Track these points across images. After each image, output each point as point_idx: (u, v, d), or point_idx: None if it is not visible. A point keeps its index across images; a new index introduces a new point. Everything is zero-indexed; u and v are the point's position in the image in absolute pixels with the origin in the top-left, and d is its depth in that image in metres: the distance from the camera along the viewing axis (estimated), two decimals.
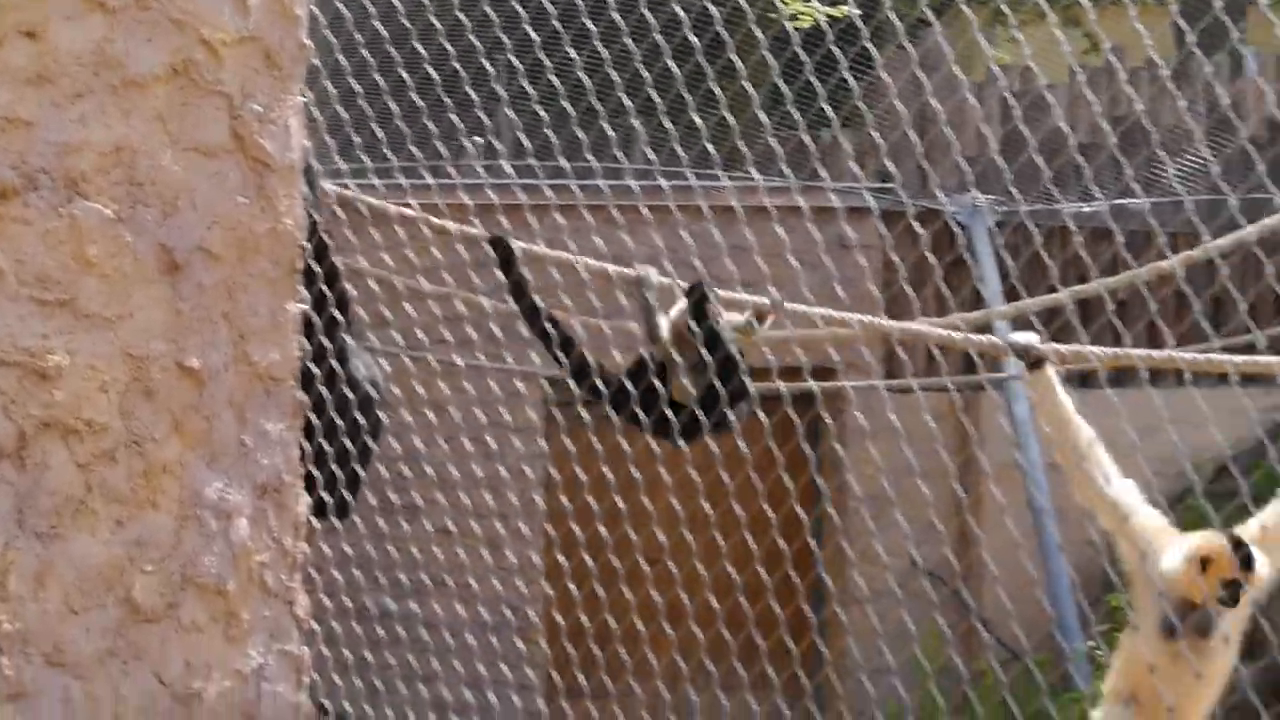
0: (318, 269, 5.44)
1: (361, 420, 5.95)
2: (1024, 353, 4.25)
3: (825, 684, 10.31)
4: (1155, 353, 4.68)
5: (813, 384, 6.45)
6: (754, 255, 5.90)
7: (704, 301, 5.50)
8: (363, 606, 9.03)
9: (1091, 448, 4.39)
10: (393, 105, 6.22)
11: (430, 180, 6.54)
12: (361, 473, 5.99)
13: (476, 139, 8.07)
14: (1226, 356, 4.66)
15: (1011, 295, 8.76)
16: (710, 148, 5.72)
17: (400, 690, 8.56)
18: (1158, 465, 9.96)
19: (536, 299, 5.69)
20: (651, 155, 7.13)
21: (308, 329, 5.12)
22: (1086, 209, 12.26)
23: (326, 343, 5.48)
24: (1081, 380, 12.27)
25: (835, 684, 8.15)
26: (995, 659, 9.70)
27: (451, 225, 6.13)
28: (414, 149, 6.56)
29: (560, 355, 5.69)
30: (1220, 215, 12.44)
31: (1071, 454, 4.37)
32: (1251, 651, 8.94)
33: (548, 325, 5.72)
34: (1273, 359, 4.54)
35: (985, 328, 7.02)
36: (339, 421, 5.55)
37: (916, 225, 6.97)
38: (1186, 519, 11.43)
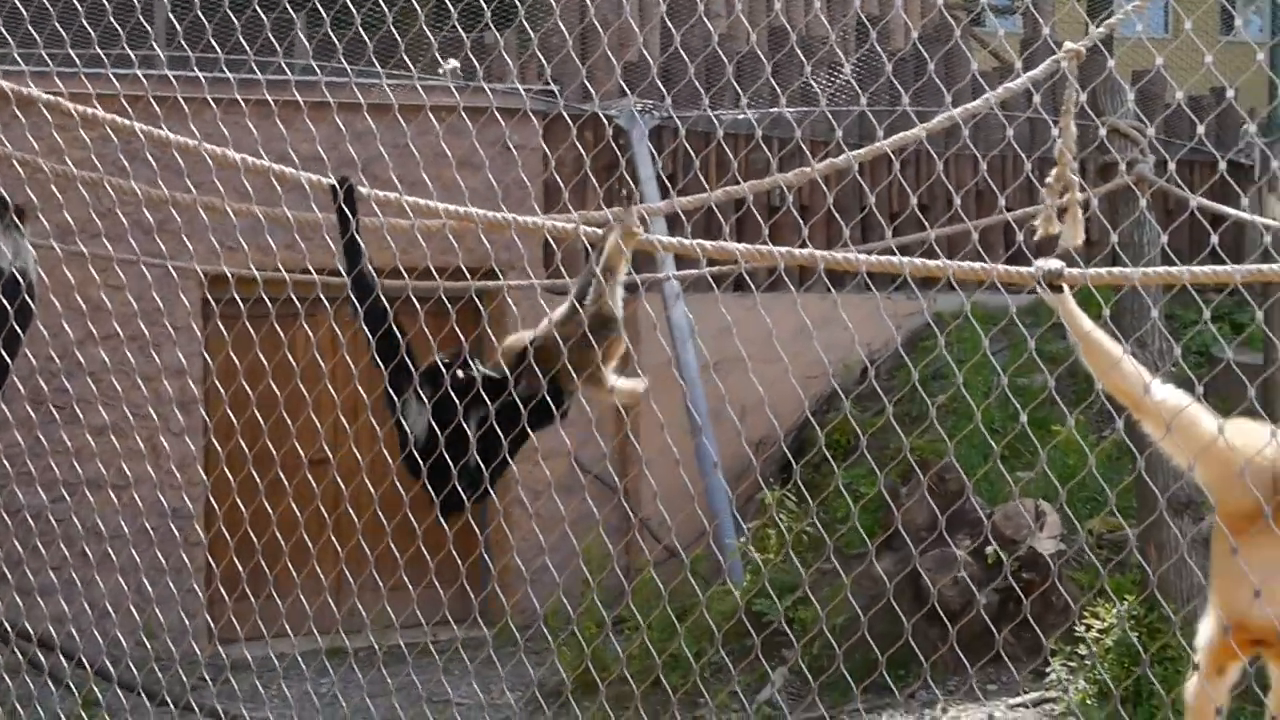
0: None
1: (6, 305, 5.77)
2: (1048, 277, 4.29)
3: (490, 590, 10.46)
4: (798, 251, 4.82)
5: (472, 284, 6.53)
6: (414, 155, 5.88)
7: None
8: (16, 510, 8.79)
9: (1121, 362, 4.41)
10: None
11: (80, 68, 6.30)
12: (7, 359, 5.82)
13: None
14: (864, 256, 4.83)
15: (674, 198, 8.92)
16: (367, 39, 5.68)
17: (56, 591, 8.37)
18: (808, 369, 10.38)
19: (365, 258, 5.37)
20: (309, 48, 7.02)
21: None
22: (740, 116, 12.56)
23: None
24: (736, 285, 12.66)
25: (498, 590, 8.29)
26: (655, 558, 9.98)
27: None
28: (60, 28, 6.32)
29: (367, 326, 5.40)
30: (867, 129, 12.82)
31: (1105, 370, 4.41)
32: None
33: (368, 283, 5.35)
34: (900, 259, 4.72)
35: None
36: None
37: (575, 127, 7.02)
38: (835, 419, 11.96)
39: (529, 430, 5.38)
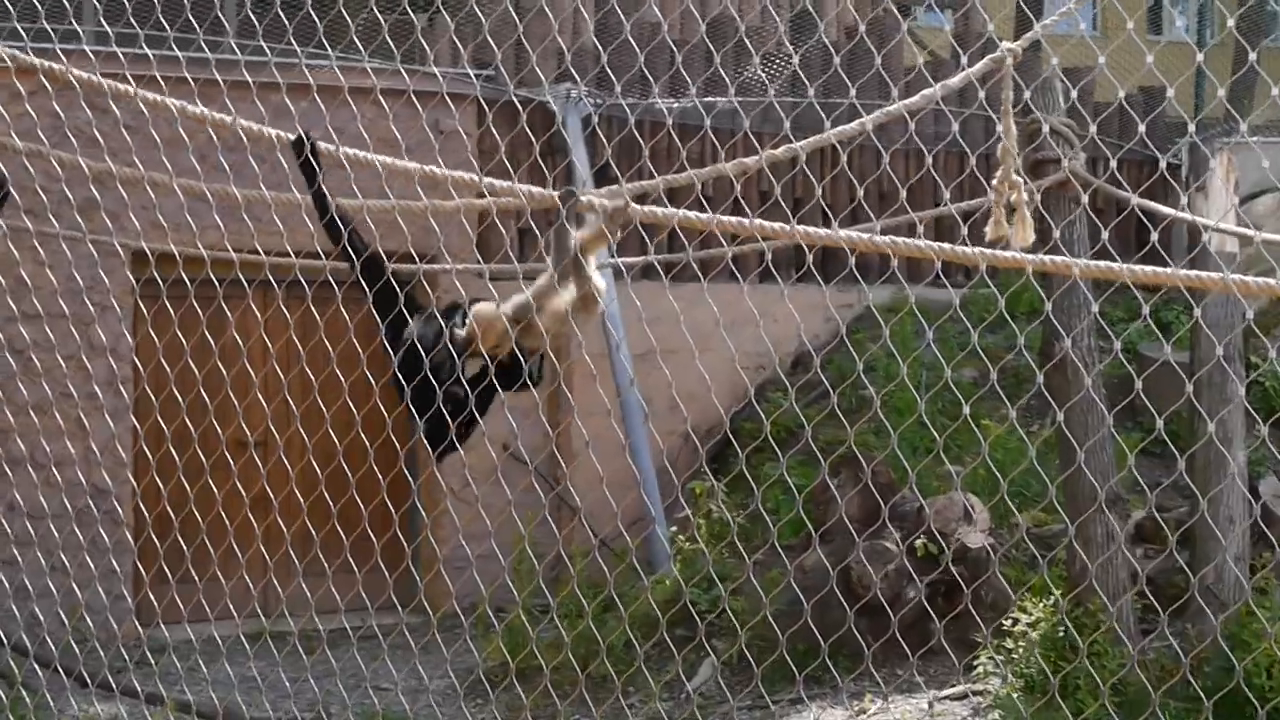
0: None
1: None
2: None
3: (411, 574, 10.39)
4: (729, 219, 4.77)
5: (416, 266, 6.47)
6: (353, 135, 5.81)
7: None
8: None
9: None
10: None
11: (27, 43, 6.18)
12: None
13: None
14: (802, 227, 4.76)
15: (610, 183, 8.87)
16: (316, 18, 5.61)
17: None
18: (743, 359, 10.39)
19: (335, 207, 5.44)
20: (259, 29, 6.92)
21: None
22: (676, 105, 12.52)
23: None
24: (671, 276, 12.59)
25: (419, 573, 8.24)
26: (578, 549, 9.94)
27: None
28: None
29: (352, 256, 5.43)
30: (803, 114, 12.81)
31: None
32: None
33: (342, 228, 5.44)
34: (891, 239, 4.66)
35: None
36: None
37: (514, 110, 6.97)
38: (768, 409, 11.96)
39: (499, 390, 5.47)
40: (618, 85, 7.59)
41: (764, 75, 12.52)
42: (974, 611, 7.25)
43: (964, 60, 5.08)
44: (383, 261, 5.47)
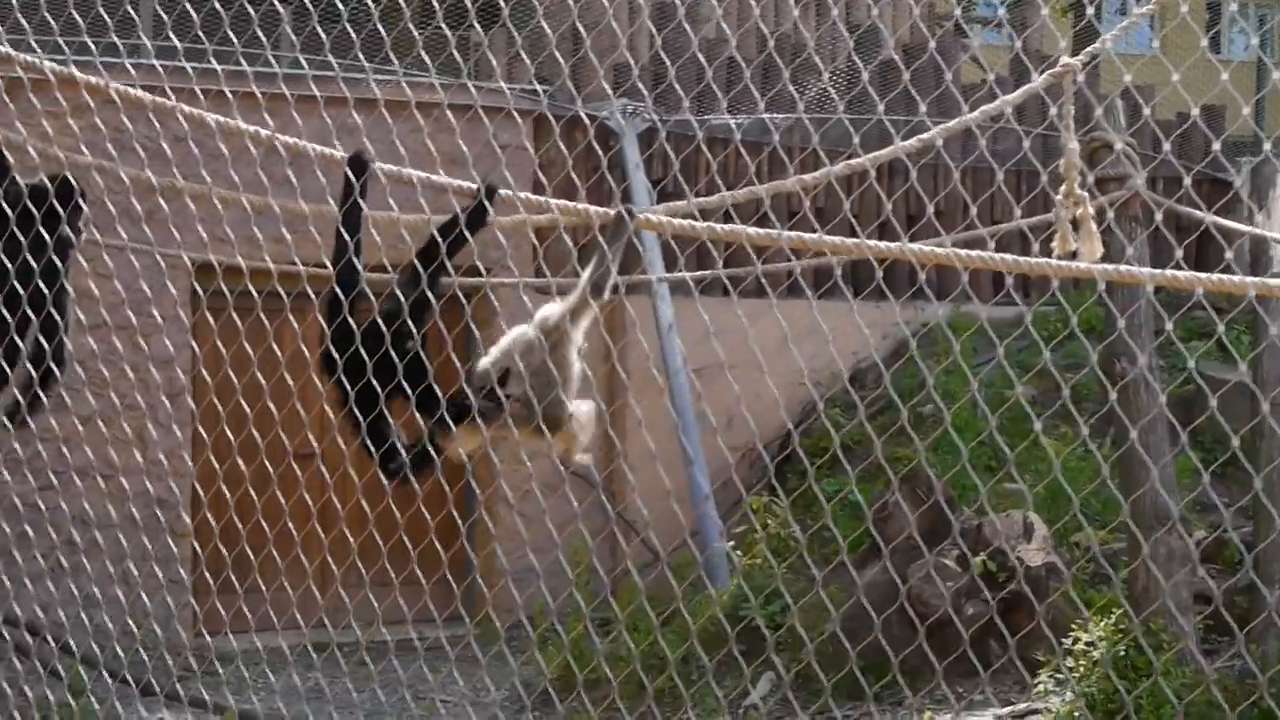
0: None
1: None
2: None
3: (474, 585, 10.42)
4: (805, 235, 4.76)
5: (456, 280, 6.48)
6: (401, 153, 5.84)
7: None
8: (3, 498, 8.72)
9: None
10: None
11: (69, 56, 6.24)
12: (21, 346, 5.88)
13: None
14: (872, 242, 4.74)
15: (667, 200, 8.89)
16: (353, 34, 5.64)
17: (43, 577, 8.31)
18: (794, 377, 10.37)
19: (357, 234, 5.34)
20: (296, 43, 6.97)
21: None
22: (734, 121, 12.53)
23: None
24: (721, 291, 12.60)
25: (482, 585, 8.25)
26: (635, 561, 9.94)
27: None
28: (49, 17, 6.29)
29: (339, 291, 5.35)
30: (866, 135, 12.80)
31: None
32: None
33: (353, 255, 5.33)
34: (950, 249, 4.67)
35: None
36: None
37: (564, 128, 6.98)
38: (824, 426, 11.94)
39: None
40: (685, 100, 7.60)
41: (833, 91, 12.51)
42: (1031, 630, 7.22)
43: (1034, 75, 5.07)
44: (348, 308, 5.34)
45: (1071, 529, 9.86)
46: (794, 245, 4.83)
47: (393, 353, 5.13)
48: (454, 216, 5.25)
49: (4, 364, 5.89)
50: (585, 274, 5.26)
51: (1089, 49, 5.01)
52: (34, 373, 5.99)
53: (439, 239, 5.23)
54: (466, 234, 5.20)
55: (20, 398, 5.99)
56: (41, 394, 6.03)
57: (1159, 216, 5.05)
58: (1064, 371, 9.90)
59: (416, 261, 5.24)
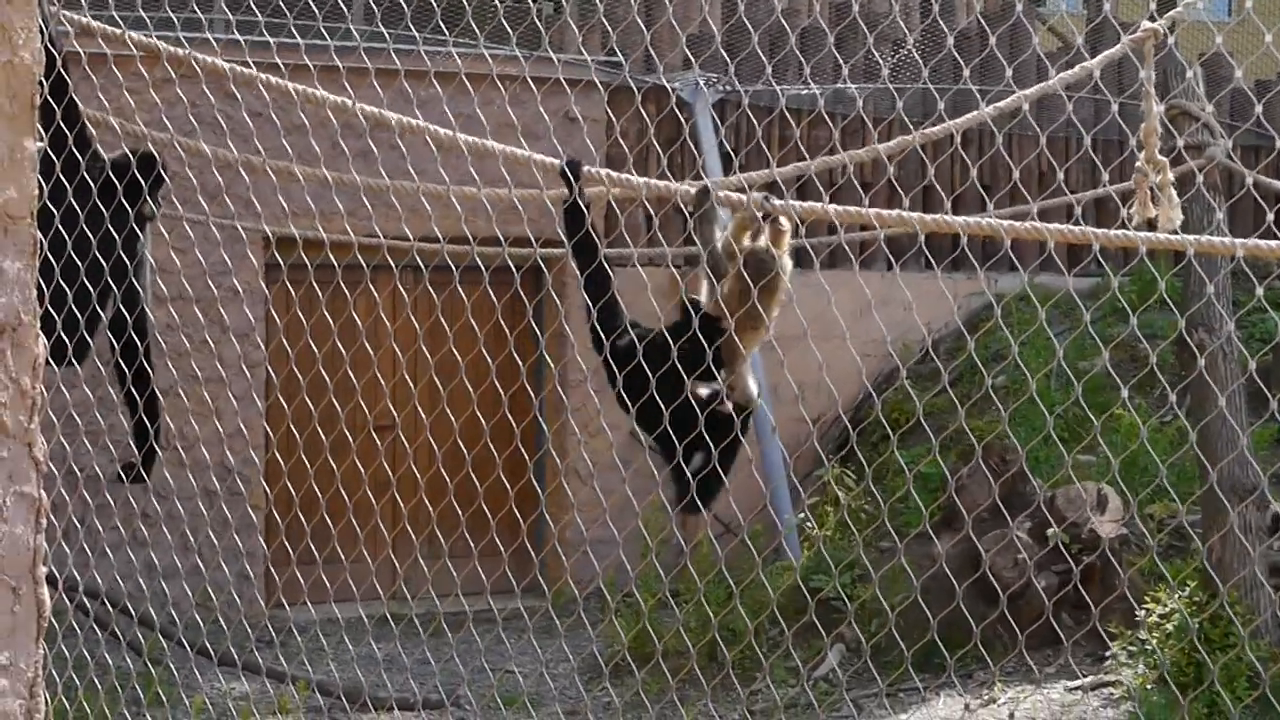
0: (56, 106, 5.34)
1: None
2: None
3: (551, 555, 10.49)
4: (886, 212, 4.76)
5: (536, 251, 6.52)
6: (481, 125, 5.87)
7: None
8: (84, 468, 8.82)
9: None
10: None
11: (151, 31, 6.32)
12: (102, 316, 5.94)
13: None
14: (953, 217, 4.70)
15: (740, 171, 8.89)
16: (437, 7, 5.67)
17: (120, 548, 8.42)
18: (868, 347, 10.36)
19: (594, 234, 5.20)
20: (377, 12, 7.02)
21: (46, 165, 5.03)
22: (804, 92, 12.49)
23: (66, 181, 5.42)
24: (796, 263, 12.58)
25: (561, 554, 8.31)
26: (711, 531, 9.96)
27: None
28: None
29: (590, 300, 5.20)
30: (930, 105, 12.75)
31: None
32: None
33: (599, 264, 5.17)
34: (994, 221, 4.67)
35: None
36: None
37: (639, 100, 6.98)
38: (894, 398, 11.93)
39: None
40: (768, 67, 7.58)
41: (919, 57, 12.42)
42: (1104, 602, 7.21)
43: (1079, 42, 5.04)
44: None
45: (1144, 501, 9.81)
46: (879, 222, 4.84)
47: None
48: (568, 209, 5.21)
49: (86, 334, 5.97)
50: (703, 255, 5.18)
51: (1170, 13, 4.98)
52: (116, 342, 6.07)
53: (581, 239, 5.16)
54: (586, 214, 5.18)
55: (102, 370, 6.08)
56: (124, 365, 6.11)
57: (1249, 180, 5.02)
58: (1137, 343, 9.85)
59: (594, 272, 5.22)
